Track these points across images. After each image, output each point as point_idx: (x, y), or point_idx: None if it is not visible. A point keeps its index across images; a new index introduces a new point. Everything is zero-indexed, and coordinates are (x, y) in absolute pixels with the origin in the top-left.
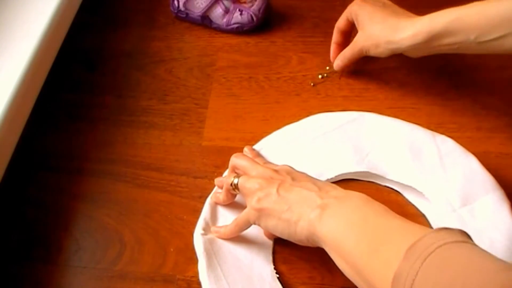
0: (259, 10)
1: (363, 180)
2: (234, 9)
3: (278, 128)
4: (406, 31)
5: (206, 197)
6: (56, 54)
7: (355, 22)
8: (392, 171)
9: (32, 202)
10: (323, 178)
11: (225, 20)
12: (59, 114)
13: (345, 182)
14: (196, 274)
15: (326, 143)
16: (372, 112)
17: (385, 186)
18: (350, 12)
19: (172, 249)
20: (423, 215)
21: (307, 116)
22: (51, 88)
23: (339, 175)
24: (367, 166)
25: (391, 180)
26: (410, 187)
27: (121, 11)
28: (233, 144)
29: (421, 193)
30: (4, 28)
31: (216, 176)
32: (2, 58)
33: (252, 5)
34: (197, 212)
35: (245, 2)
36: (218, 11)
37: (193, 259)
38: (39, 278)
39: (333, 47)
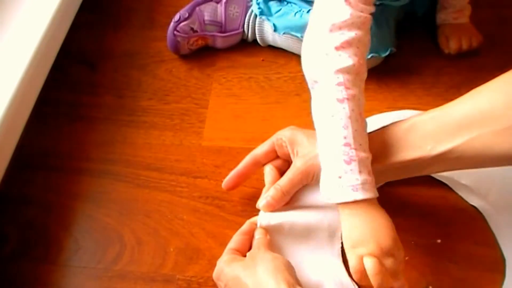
0: None
1: None
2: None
3: (278, 128)
4: None
5: (206, 197)
6: (56, 54)
7: (289, 147)
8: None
9: (32, 202)
10: None
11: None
12: (59, 114)
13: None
14: (196, 274)
15: None
16: (372, 112)
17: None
18: (280, 137)
19: (172, 249)
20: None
21: (307, 116)
22: (51, 88)
23: None
24: None
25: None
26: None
27: (121, 11)
28: (233, 144)
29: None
30: (4, 28)
31: (217, 176)
32: (2, 58)
33: None
34: (197, 212)
35: None
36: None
37: (193, 259)
38: (39, 278)
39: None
